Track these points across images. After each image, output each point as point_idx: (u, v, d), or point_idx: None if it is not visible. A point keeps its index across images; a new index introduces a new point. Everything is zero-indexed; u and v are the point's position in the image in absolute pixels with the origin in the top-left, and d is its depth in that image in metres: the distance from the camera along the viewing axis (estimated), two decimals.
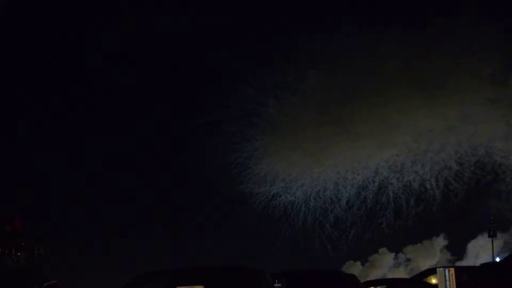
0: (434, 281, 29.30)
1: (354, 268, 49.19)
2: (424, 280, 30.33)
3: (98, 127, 49.29)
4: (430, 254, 49.46)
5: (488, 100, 49.49)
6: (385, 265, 49.61)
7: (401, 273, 46.17)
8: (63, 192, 46.93)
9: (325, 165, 50.22)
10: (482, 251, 47.67)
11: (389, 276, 46.83)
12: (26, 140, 47.69)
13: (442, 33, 48.92)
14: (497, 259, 41.58)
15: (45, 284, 21.02)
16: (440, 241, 49.87)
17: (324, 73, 50.06)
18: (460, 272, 26.54)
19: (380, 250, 50.14)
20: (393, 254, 50.18)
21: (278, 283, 25.79)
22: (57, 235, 42.19)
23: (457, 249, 49.15)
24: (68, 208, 46.91)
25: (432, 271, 30.58)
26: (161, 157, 49.88)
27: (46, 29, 47.37)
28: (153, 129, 49.43)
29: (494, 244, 47.83)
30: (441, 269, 24.72)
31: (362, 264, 50.01)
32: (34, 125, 48.13)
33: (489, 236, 43.70)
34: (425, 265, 47.27)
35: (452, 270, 24.50)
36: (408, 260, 49.99)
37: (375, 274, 48.65)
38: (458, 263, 47.38)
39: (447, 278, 24.93)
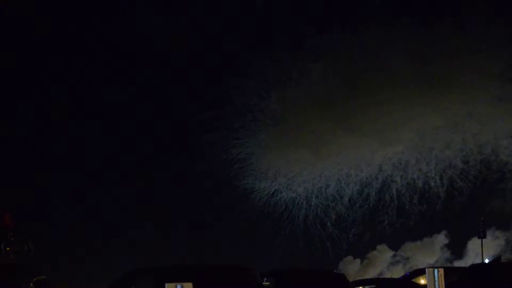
0: (423, 281, 29.90)
1: (352, 265, 49.66)
2: (413, 280, 30.99)
3: (99, 122, 49.98)
4: (430, 252, 49.80)
5: (495, 98, 49.68)
6: (384, 263, 49.99)
7: (400, 271, 46.35)
8: (60, 190, 47.52)
9: (328, 161, 50.58)
10: (483, 251, 48.11)
11: (387, 274, 47.28)
12: (24, 138, 48.18)
13: (451, 30, 49.09)
14: (486, 260, 42.13)
15: (34, 279, 21.41)
16: (441, 239, 50.21)
17: (328, 69, 50.36)
18: (450, 273, 27.04)
19: (380, 247, 50.54)
20: (393, 251, 50.59)
21: (267, 281, 26.47)
22: (50, 232, 43.22)
23: (457, 248, 49.53)
24: (64, 206, 47.47)
25: (421, 271, 31.18)
26: (163, 152, 50.37)
27: (47, 28, 47.95)
28: (155, 124, 49.98)
29: (496, 243, 48.44)
30: (430, 269, 25.12)
31: (362, 261, 50.48)
32: (33, 124, 48.57)
33: (479, 237, 44.12)
34: (423, 263, 47.69)
35: (442, 270, 24.88)
36: (407, 258, 50.38)
37: (373, 272, 49.14)
38: (458, 262, 47.79)
39: (436, 279, 25.33)
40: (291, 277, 26.24)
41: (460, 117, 50.36)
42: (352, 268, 49.10)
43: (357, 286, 30.20)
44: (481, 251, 45.66)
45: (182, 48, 48.60)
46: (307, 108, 50.75)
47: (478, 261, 42.54)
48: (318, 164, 50.54)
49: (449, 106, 50.14)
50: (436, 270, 25.67)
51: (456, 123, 50.47)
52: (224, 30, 48.94)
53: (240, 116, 50.08)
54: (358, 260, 50.22)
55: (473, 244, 46.81)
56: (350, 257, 50.08)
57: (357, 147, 50.67)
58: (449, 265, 47.85)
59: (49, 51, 48.63)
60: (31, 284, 21.74)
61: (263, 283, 25.70)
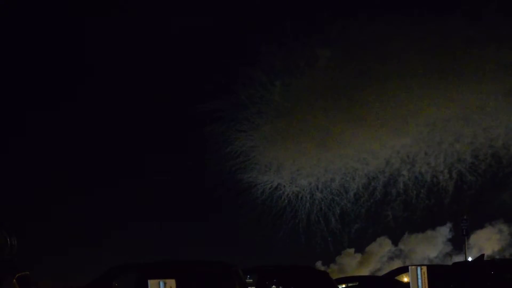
0: (406, 279, 31.21)
1: (350, 259, 50.62)
2: (396, 278, 32.32)
3: (100, 111, 51.02)
4: (431, 246, 50.56)
5: (509, 91, 50.16)
6: (383, 257, 50.87)
7: (399, 265, 46.93)
8: (44, 186, 48.27)
9: (334, 154, 51.23)
10: (487, 245, 49.01)
11: (387, 268, 48.01)
12: (16, 135, 49.18)
13: (464, 20, 49.45)
14: (469, 259, 43.08)
15: (17, 275, 22.01)
16: (445, 232, 51.03)
17: (336, 58, 50.86)
18: (433, 271, 28.28)
19: (380, 240, 51.45)
20: (393, 245, 51.51)
21: (250, 278, 27.89)
22: (34, 228, 44.38)
23: (460, 242, 49.92)
24: (48, 201, 48.22)
25: (404, 269, 32.53)
26: (162, 144, 51.35)
27: (42, 22, 48.98)
28: (156, 115, 50.85)
29: (500, 236, 49.32)
30: (413, 267, 26.32)
31: (363, 255, 51.40)
32: (25, 120, 49.71)
33: (462, 235, 44.97)
34: (423, 257, 48.78)
35: (425, 268, 26.04)
36: (408, 251, 51.24)
37: (373, 265, 50.13)
38: (459, 257, 48.56)
39: (419, 277, 26.56)
40: (273, 274, 27.54)
41: (471, 110, 50.83)
42: (351, 261, 50.14)
43: (340, 284, 31.44)
44: (484, 246, 46.70)
45: (187, 36, 49.54)
46: (313, 99, 51.35)
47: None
48: (324, 157, 51.27)
49: (460, 98, 50.50)
50: (419, 268, 26.76)
51: (467, 116, 50.96)
52: (231, 17, 49.83)
53: (244, 107, 51.04)
54: (358, 255, 51.16)
55: (476, 239, 47.66)
56: (349, 250, 51.05)
57: (364, 140, 51.28)
58: (448, 259, 48.87)
59: (43, 44, 49.77)
60: (14, 280, 22.20)
61: (246, 280, 27.10)
